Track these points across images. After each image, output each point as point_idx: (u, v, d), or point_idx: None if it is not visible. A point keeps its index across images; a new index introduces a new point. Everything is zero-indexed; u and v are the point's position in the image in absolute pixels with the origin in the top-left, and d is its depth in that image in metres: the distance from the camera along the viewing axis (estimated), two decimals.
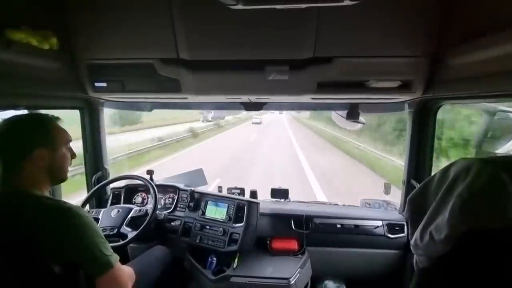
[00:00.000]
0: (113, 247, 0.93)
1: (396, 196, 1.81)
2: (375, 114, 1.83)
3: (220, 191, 1.87)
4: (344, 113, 1.64)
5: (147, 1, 1.08)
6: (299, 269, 1.47)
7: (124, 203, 1.74)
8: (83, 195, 1.59)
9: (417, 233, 0.68)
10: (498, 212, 0.54)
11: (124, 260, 1.39)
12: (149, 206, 1.55)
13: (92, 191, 1.58)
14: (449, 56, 1.03)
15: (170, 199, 1.80)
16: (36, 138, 0.86)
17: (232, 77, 1.23)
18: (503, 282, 0.54)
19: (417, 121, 1.49)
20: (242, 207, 1.58)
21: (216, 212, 1.63)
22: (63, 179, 0.96)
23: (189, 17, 1.08)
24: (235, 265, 1.49)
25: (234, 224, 1.56)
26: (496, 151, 1.35)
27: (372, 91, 1.21)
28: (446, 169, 0.66)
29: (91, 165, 1.72)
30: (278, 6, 0.78)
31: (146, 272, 1.35)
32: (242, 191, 1.83)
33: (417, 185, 1.28)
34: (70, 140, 0.96)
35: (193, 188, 1.75)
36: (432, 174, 0.72)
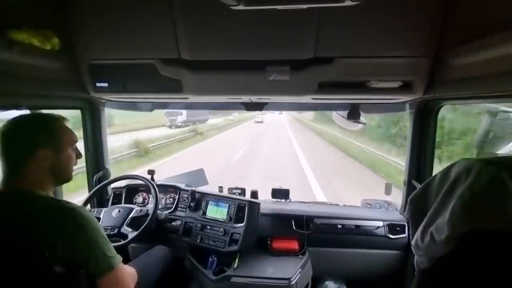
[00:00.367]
0: (114, 247, 0.93)
1: (397, 197, 1.81)
2: (376, 114, 1.83)
3: (221, 191, 1.87)
4: (345, 113, 1.64)
5: (148, 2, 1.08)
6: (299, 270, 1.47)
7: (125, 203, 1.74)
8: (84, 195, 1.60)
9: (418, 234, 0.68)
10: (499, 213, 0.54)
11: (125, 260, 1.39)
12: (150, 206, 1.56)
13: (93, 190, 1.59)
14: (450, 56, 1.02)
15: (171, 199, 1.81)
16: (39, 138, 0.85)
17: (233, 77, 1.23)
18: (504, 283, 0.54)
19: (418, 122, 1.49)
20: (243, 207, 1.59)
21: (217, 212, 1.63)
22: (67, 179, 0.95)
23: (190, 18, 1.08)
24: (235, 265, 1.49)
25: (234, 224, 1.56)
26: (498, 152, 1.35)
27: (373, 91, 1.21)
28: (447, 170, 0.66)
29: (92, 165, 1.73)
30: (279, 7, 0.78)
31: (146, 272, 1.35)
32: (243, 191, 1.83)
33: (418, 186, 1.28)
34: (76, 141, 0.96)
35: (194, 188, 1.75)
36: (433, 174, 0.72)
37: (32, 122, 0.88)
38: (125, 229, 1.42)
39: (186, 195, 1.75)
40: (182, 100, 1.51)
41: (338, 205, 1.91)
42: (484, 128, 1.40)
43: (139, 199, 1.83)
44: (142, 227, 1.41)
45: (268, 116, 34.63)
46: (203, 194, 1.72)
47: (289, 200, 1.86)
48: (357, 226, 1.61)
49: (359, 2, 0.69)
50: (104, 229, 1.37)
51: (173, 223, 1.68)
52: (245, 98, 1.49)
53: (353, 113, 1.60)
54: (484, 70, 0.88)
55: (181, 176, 2.04)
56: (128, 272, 0.94)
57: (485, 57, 0.86)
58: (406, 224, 1.59)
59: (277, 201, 1.85)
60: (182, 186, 1.81)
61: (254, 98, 1.48)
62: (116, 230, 1.41)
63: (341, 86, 1.21)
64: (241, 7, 0.72)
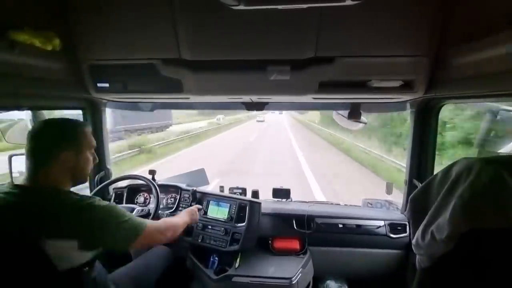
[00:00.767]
0: None
1: (398, 196, 1.81)
2: (376, 113, 1.83)
3: (222, 191, 1.88)
4: (345, 112, 1.64)
5: (149, 2, 1.08)
6: (301, 269, 1.47)
7: (126, 203, 1.75)
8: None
9: (418, 233, 0.68)
10: (499, 211, 0.54)
11: (126, 260, 1.41)
12: (151, 206, 1.56)
13: (94, 191, 1.59)
14: (451, 55, 1.02)
15: (172, 199, 1.81)
16: (65, 142, 0.93)
17: (233, 77, 1.24)
18: (504, 281, 0.54)
19: (419, 121, 1.48)
20: (244, 207, 1.59)
21: (218, 212, 1.63)
22: (84, 180, 1.03)
23: (191, 18, 1.08)
24: (237, 264, 1.49)
25: (236, 224, 1.56)
26: (499, 151, 1.35)
27: (374, 90, 1.21)
28: (448, 169, 0.66)
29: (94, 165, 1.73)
30: (279, 7, 0.78)
31: (148, 272, 1.36)
32: (244, 191, 1.83)
33: (419, 185, 1.28)
34: (95, 146, 1.03)
35: (195, 188, 1.75)
36: (434, 173, 0.72)
37: (59, 126, 0.96)
38: None
39: (187, 195, 1.76)
40: (183, 100, 1.51)
41: (339, 204, 1.91)
42: (485, 127, 1.39)
43: (141, 199, 1.83)
44: None
45: (268, 116, 34.31)
46: (204, 194, 1.72)
47: (290, 200, 1.86)
48: (358, 226, 1.61)
49: (359, 1, 0.69)
50: None
51: None
52: (246, 98, 1.49)
53: (354, 113, 1.60)
54: (485, 69, 0.88)
55: (182, 176, 2.05)
56: (156, 228, 1.08)
57: (486, 56, 0.86)
58: (407, 223, 1.59)
59: (278, 200, 1.85)
60: (183, 186, 1.81)
61: (255, 98, 1.48)
62: None
63: (342, 85, 1.21)
64: (241, 7, 0.72)
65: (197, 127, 20.61)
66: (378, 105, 1.67)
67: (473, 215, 0.56)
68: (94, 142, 1.02)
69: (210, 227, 1.59)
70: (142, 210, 1.52)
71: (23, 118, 1.54)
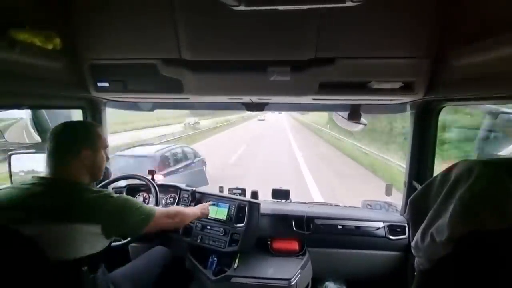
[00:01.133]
0: (113, 247, 0.95)
1: (398, 198, 1.81)
2: (376, 114, 1.83)
3: (221, 191, 1.88)
4: (345, 114, 1.64)
5: (150, 2, 1.08)
6: (299, 270, 1.47)
7: None
8: None
9: (418, 235, 0.68)
10: (499, 214, 0.54)
11: (125, 260, 1.41)
12: (151, 205, 1.56)
13: None
14: (451, 57, 1.02)
15: (172, 199, 1.81)
16: (85, 140, 1.03)
17: (234, 78, 1.23)
18: (504, 284, 0.54)
19: (419, 123, 1.48)
20: (243, 207, 1.59)
21: (217, 212, 1.63)
22: (99, 177, 1.12)
23: (191, 18, 1.08)
24: (235, 265, 1.49)
25: (235, 225, 1.56)
26: (499, 153, 1.35)
27: (374, 92, 1.21)
28: (448, 171, 0.66)
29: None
30: (280, 7, 0.78)
31: (147, 272, 1.36)
32: (243, 192, 1.83)
33: (419, 187, 1.27)
34: (107, 146, 1.14)
35: (194, 188, 1.75)
36: (434, 175, 0.72)
37: (79, 127, 1.09)
38: None
39: (186, 195, 1.76)
40: (183, 100, 1.51)
41: (338, 205, 1.91)
42: (485, 129, 1.39)
43: (140, 199, 1.83)
44: None
45: (268, 115, 34.15)
46: (204, 194, 1.72)
47: (289, 201, 1.86)
48: (357, 227, 1.61)
49: (359, 2, 0.69)
50: None
51: None
52: (246, 99, 1.49)
53: (354, 114, 1.60)
54: (485, 71, 0.88)
55: (181, 176, 2.05)
56: (165, 213, 1.20)
57: (487, 58, 0.86)
58: (406, 225, 1.58)
59: (277, 201, 1.85)
60: (183, 186, 1.81)
61: (255, 99, 1.48)
62: None
63: (342, 86, 1.21)
64: (242, 8, 0.72)
65: (154, 135, 13.94)
66: (378, 107, 1.67)
67: (473, 217, 0.56)
68: (107, 142, 1.13)
69: (209, 227, 1.59)
70: None
71: (23, 117, 1.55)
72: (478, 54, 0.89)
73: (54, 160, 0.99)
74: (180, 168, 5.69)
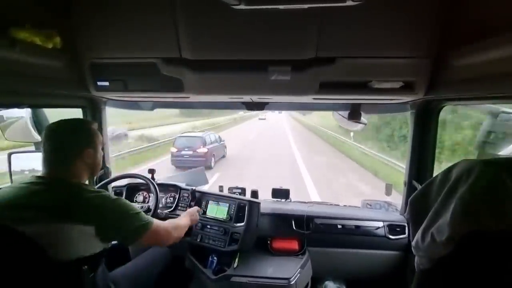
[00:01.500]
0: (114, 245, 0.95)
1: (397, 197, 1.81)
2: (376, 114, 1.83)
3: (221, 190, 1.88)
4: (345, 113, 1.64)
5: (150, 1, 1.08)
6: (299, 269, 1.47)
7: None
8: None
9: (418, 234, 0.68)
10: (499, 214, 0.54)
11: (125, 259, 1.41)
12: (151, 204, 1.56)
13: None
14: (451, 57, 1.02)
15: (171, 198, 1.81)
16: (86, 139, 1.02)
17: (234, 77, 1.23)
18: (503, 284, 0.54)
19: (419, 122, 1.48)
20: (243, 206, 1.59)
21: (217, 212, 1.63)
22: (96, 173, 1.12)
23: (191, 17, 1.08)
24: (235, 264, 1.49)
25: (235, 224, 1.56)
26: (499, 153, 1.35)
27: (374, 91, 1.21)
28: (448, 171, 0.66)
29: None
30: (280, 7, 0.78)
31: (147, 271, 1.36)
32: (243, 191, 1.83)
33: (419, 187, 1.28)
34: (104, 143, 1.13)
35: (194, 187, 1.75)
36: (434, 175, 0.72)
37: (80, 125, 1.05)
38: None
39: (186, 194, 1.76)
40: (183, 100, 1.51)
41: (338, 205, 1.91)
42: (485, 129, 1.39)
43: (140, 198, 1.83)
44: None
45: (269, 114, 33.92)
46: (203, 194, 1.72)
47: (289, 200, 1.86)
48: (357, 227, 1.61)
49: (360, 2, 0.69)
50: None
51: None
52: (246, 98, 1.49)
53: (354, 113, 1.60)
54: (485, 71, 0.88)
55: (181, 175, 2.05)
56: (163, 227, 1.11)
57: (487, 57, 0.86)
58: (406, 224, 1.58)
59: (277, 201, 1.85)
60: (183, 185, 1.81)
61: (255, 98, 1.48)
62: None
63: (342, 86, 1.21)
64: (242, 7, 0.72)
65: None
66: (378, 106, 1.67)
67: (473, 217, 0.56)
68: (102, 139, 1.11)
69: (209, 226, 1.59)
70: (142, 207, 1.53)
71: (23, 116, 1.55)
72: (478, 54, 0.89)
73: (54, 159, 0.97)
74: (213, 145, 9.21)
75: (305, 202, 1.87)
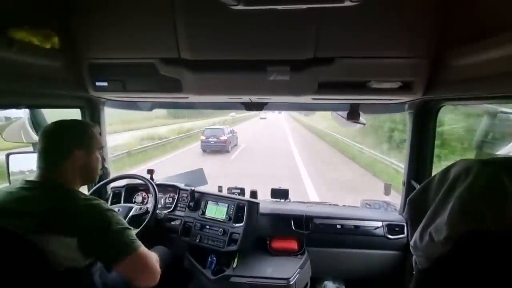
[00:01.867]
0: None
1: (396, 197, 1.81)
2: (375, 114, 1.84)
3: (220, 190, 1.88)
4: (344, 113, 1.64)
5: (149, 1, 1.08)
6: (298, 270, 1.47)
7: (124, 203, 1.74)
8: None
9: (416, 234, 0.68)
10: (497, 213, 0.54)
11: None
12: (150, 205, 1.56)
13: (92, 190, 1.58)
14: (450, 57, 1.03)
15: (170, 199, 1.81)
16: (78, 140, 0.97)
17: (233, 77, 1.23)
18: (502, 283, 0.55)
19: (418, 122, 1.49)
20: (242, 207, 1.59)
21: (216, 212, 1.63)
22: (93, 179, 1.07)
23: (190, 17, 1.08)
24: (234, 265, 1.49)
25: (234, 224, 1.56)
26: (497, 153, 1.35)
27: (373, 91, 1.21)
28: (447, 170, 0.66)
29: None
30: (279, 7, 0.78)
31: None
32: (242, 191, 1.83)
33: (417, 186, 1.28)
34: (103, 146, 1.08)
35: (193, 188, 1.75)
36: (433, 175, 0.72)
37: (71, 126, 1.00)
38: None
39: (185, 195, 1.75)
40: (182, 100, 1.51)
41: (337, 205, 1.91)
42: (483, 129, 1.40)
43: (139, 198, 1.83)
44: (143, 225, 1.41)
45: (269, 114, 33.83)
46: (203, 194, 1.72)
47: (288, 200, 1.86)
48: (356, 227, 1.61)
49: (358, 2, 0.69)
50: None
51: (172, 222, 1.68)
52: (245, 98, 1.49)
53: (353, 113, 1.60)
54: (484, 71, 0.89)
55: (180, 175, 2.04)
56: (151, 254, 1.01)
57: (485, 57, 0.86)
58: (405, 224, 1.59)
59: (276, 201, 1.85)
60: (182, 185, 1.81)
61: (254, 98, 1.48)
62: None
63: (341, 86, 1.21)
64: (240, 7, 0.72)
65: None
66: (377, 106, 1.67)
67: (471, 216, 0.56)
68: (103, 142, 1.07)
69: (208, 227, 1.59)
70: (140, 208, 1.52)
71: (21, 117, 1.54)
72: (477, 54, 0.89)
73: (44, 161, 0.93)
74: (229, 135, 12.34)
75: (304, 202, 1.88)
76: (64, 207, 0.87)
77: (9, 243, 0.80)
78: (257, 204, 1.63)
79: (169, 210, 1.72)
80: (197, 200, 1.71)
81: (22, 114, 1.52)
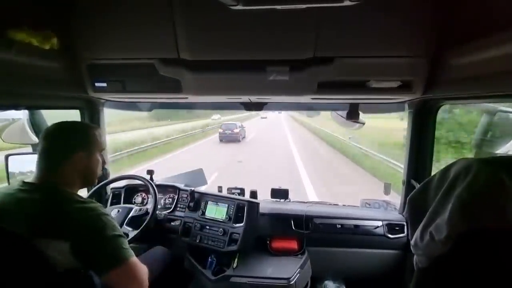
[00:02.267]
0: None
1: (396, 196, 1.81)
2: (375, 114, 1.84)
3: (220, 191, 1.87)
4: (344, 113, 1.64)
5: (148, 2, 1.08)
6: (299, 269, 1.47)
7: (124, 203, 1.74)
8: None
9: (417, 233, 0.68)
10: (497, 212, 0.54)
11: None
12: (149, 206, 1.56)
13: (92, 190, 1.58)
14: (449, 56, 1.03)
15: (170, 199, 1.81)
16: (78, 142, 0.97)
17: (232, 78, 1.23)
18: (501, 282, 0.55)
19: (417, 121, 1.49)
20: (242, 207, 1.59)
21: (216, 212, 1.63)
22: (92, 182, 1.05)
23: (190, 18, 1.08)
24: (235, 265, 1.49)
25: (234, 224, 1.56)
26: (496, 152, 1.35)
27: (372, 91, 1.21)
28: (446, 169, 0.66)
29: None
30: (278, 7, 0.78)
31: None
32: (242, 191, 1.83)
33: (417, 185, 1.28)
34: (104, 148, 1.07)
35: (193, 188, 1.75)
36: (432, 174, 0.72)
37: (72, 128, 1.00)
38: (125, 228, 1.42)
39: (185, 195, 1.75)
40: (182, 100, 1.51)
41: (337, 205, 1.91)
42: (483, 128, 1.40)
43: (138, 199, 1.83)
44: (142, 226, 1.41)
45: (269, 114, 33.73)
46: (202, 194, 1.72)
47: (288, 200, 1.86)
48: (356, 226, 1.61)
49: (358, 2, 0.69)
50: None
51: (172, 223, 1.68)
52: (245, 98, 1.49)
53: (352, 113, 1.60)
54: (483, 70, 0.89)
55: (180, 176, 2.04)
56: (141, 266, 0.98)
57: (484, 57, 0.86)
58: (405, 223, 1.59)
59: (276, 201, 1.85)
60: (181, 186, 1.81)
61: (254, 98, 1.48)
62: None
63: (341, 86, 1.21)
64: (239, 7, 0.72)
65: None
66: (376, 106, 1.67)
67: (471, 215, 0.56)
68: (104, 145, 1.06)
69: (208, 227, 1.59)
70: (140, 209, 1.52)
71: (20, 118, 1.54)
72: (475, 53, 0.89)
73: (45, 162, 0.93)
74: (240, 129, 15.77)
75: (304, 202, 1.88)
76: (58, 210, 0.85)
77: (8, 243, 0.80)
78: (257, 204, 1.63)
79: (169, 211, 1.72)
80: (197, 201, 1.70)
81: (21, 115, 1.52)
